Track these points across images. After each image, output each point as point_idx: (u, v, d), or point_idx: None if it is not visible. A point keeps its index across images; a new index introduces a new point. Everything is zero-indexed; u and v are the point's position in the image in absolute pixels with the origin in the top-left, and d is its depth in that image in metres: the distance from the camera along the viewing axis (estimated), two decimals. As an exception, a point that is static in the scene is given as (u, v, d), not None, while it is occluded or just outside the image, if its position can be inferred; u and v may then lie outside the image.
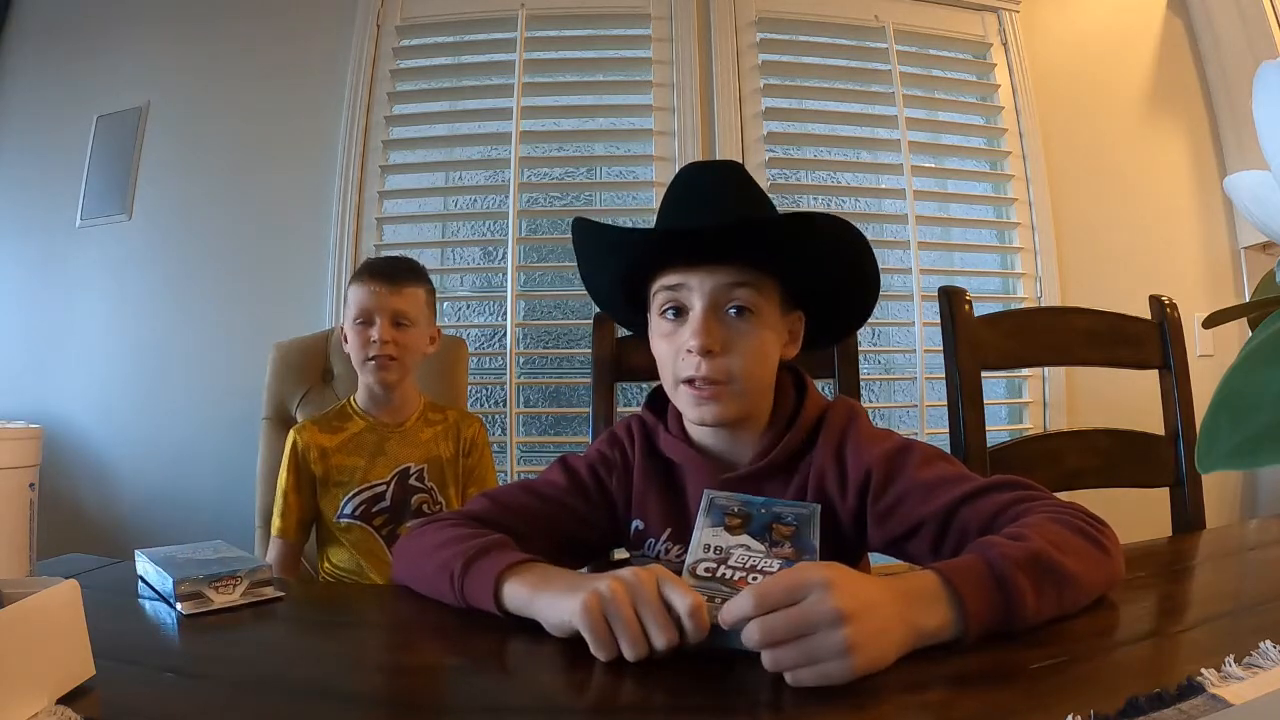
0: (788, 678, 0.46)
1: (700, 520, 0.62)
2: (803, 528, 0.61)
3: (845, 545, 0.76)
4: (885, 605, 0.48)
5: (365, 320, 1.27)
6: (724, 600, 0.51)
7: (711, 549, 0.59)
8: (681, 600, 0.51)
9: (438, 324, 1.41)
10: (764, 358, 0.76)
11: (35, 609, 0.44)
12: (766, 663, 0.46)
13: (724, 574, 0.56)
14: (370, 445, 1.30)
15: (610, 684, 0.48)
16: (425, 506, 1.30)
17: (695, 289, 0.73)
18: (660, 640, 0.50)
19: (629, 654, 0.50)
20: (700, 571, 0.57)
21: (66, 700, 0.44)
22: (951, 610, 0.50)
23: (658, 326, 0.77)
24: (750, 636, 0.47)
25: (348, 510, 1.27)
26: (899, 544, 0.71)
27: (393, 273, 1.30)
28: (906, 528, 0.69)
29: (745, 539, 0.60)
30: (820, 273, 0.77)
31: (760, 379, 0.76)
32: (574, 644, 0.52)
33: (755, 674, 0.49)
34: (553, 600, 0.55)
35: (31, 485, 0.66)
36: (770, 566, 0.57)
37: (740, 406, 0.75)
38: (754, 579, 0.55)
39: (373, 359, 1.26)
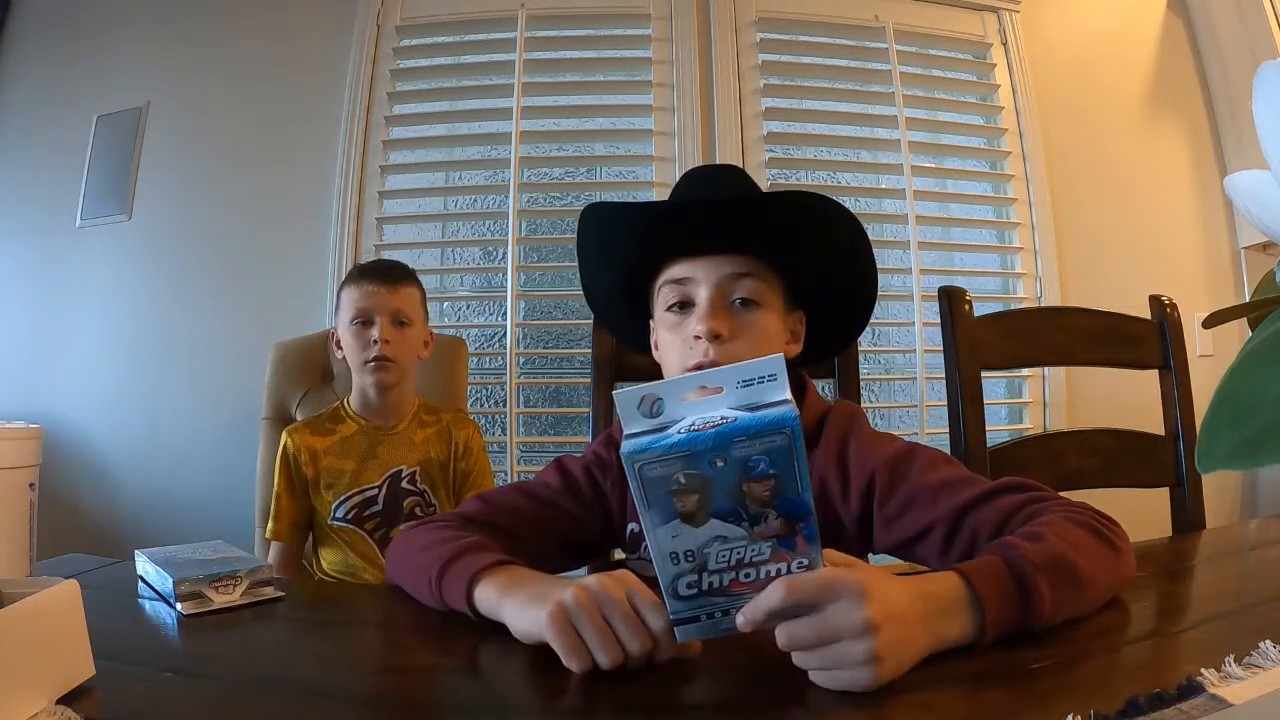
0: (811, 675, 0.46)
1: (644, 520, 0.46)
2: (783, 474, 0.44)
3: (847, 548, 0.75)
4: (910, 613, 0.47)
5: (364, 320, 1.26)
6: (724, 613, 0.48)
7: (680, 557, 0.46)
8: (654, 620, 0.49)
9: (434, 326, 1.41)
10: (769, 347, 0.76)
11: (35, 609, 0.44)
12: (795, 659, 0.46)
13: (710, 583, 0.47)
14: (362, 448, 1.30)
15: (610, 682, 0.48)
16: (418, 509, 1.30)
17: (702, 280, 0.74)
18: (634, 645, 0.48)
19: (603, 661, 0.48)
20: (683, 591, 0.47)
21: (66, 700, 0.44)
22: (972, 614, 0.50)
23: (664, 320, 0.78)
24: (777, 638, 0.46)
25: (339, 513, 1.27)
26: (907, 547, 0.70)
27: (389, 271, 1.30)
28: (915, 531, 0.68)
29: (714, 527, 0.45)
30: (822, 258, 0.78)
31: None
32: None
33: (752, 672, 0.49)
34: (519, 609, 0.54)
35: (31, 485, 0.66)
36: (760, 555, 0.46)
37: None
38: (746, 575, 0.47)
39: (373, 360, 1.25)
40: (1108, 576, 0.57)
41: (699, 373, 0.48)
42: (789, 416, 0.44)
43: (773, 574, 0.47)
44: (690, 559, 0.46)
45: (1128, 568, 0.60)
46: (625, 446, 0.45)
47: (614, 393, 0.47)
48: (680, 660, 0.50)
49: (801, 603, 0.45)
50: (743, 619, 0.47)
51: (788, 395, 0.45)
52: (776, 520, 0.45)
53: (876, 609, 0.44)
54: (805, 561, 0.47)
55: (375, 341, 1.24)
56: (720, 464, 0.44)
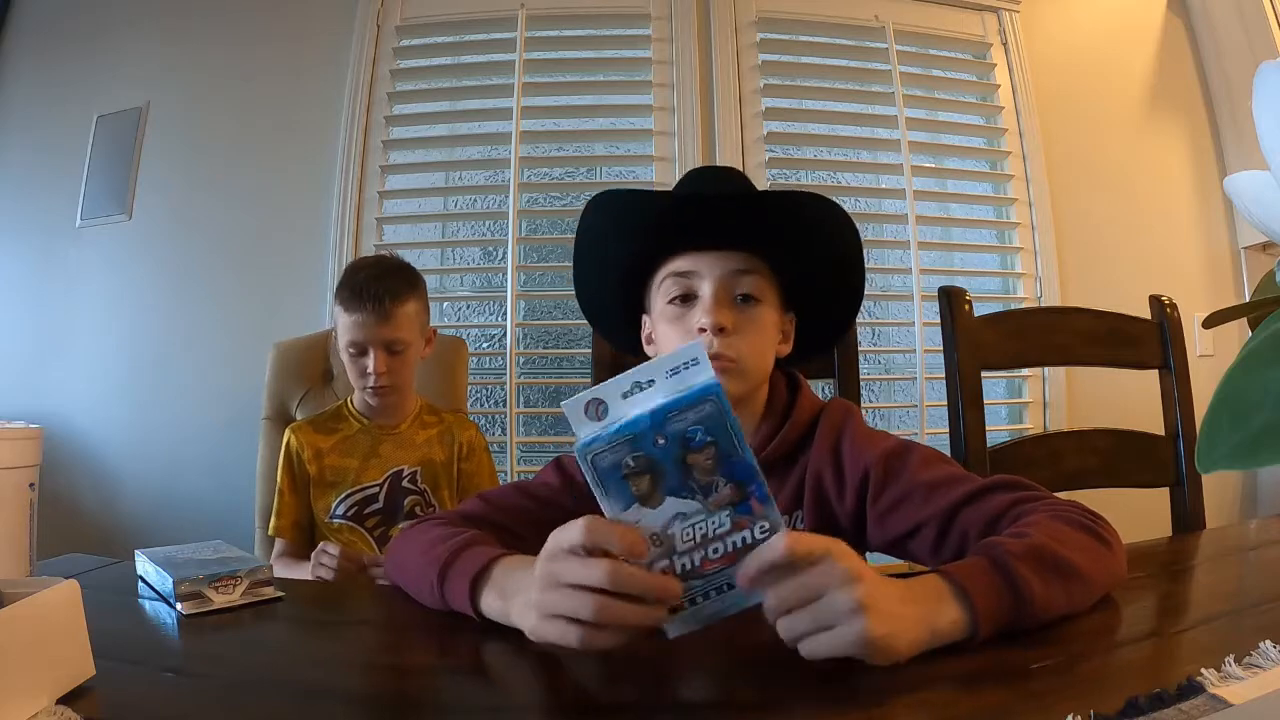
0: (802, 649, 0.46)
1: (607, 511, 0.49)
2: (720, 439, 0.47)
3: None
4: (899, 595, 0.48)
5: (358, 351, 1.24)
6: (704, 596, 0.49)
7: (648, 542, 0.49)
8: (621, 544, 0.46)
9: (436, 324, 1.40)
10: (768, 343, 0.78)
11: (35, 609, 0.44)
12: (781, 633, 0.46)
13: (683, 565, 0.49)
14: (364, 447, 1.30)
15: (614, 682, 0.48)
16: (418, 509, 1.29)
17: (705, 275, 0.75)
18: (599, 580, 0.46)
19: (587, 615, 0.46)
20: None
21: (66, 700, 0.44)
22: (961, 608, 0.50)
23: (665, 313, 0.78)
24: (767, 605, 0.47)
25: (339, 511, 1.27)
26: (899, 544, 0.71)
27: (381, 297, 1.21)
28: (907, 528, 0.69)
29: (670, 504, 0.48)
30: (824, 260, 0.79)
31: (762, 363, 0.78)
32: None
33: (751, 672, 0.49)
34: (518, 620, 0.53)
35: (31, 485, 0.66)
36: (722, 525, 0.48)
37: (742, 388, 0.76)
38: (715, 550, 0.48)
39: (369, 389, 1.25)
40: (1097, 568, 0.57)
41: (632, 370, 0.49)
42: (712, 385, 0.47)
43: (739, 544, 0.48)
44: (658, 543, 0.48)
45: (1119, 561, 0.60)
46: (577, 443, 0.48)
47: (562, 403, 0.49)
48: (677, 654, 0.50)
49: (800, 555, 0.46)
50: (742, 575, 0.47)
51: (710, 374, 0.48)
52: (726, 487, 0.48)
53: (859, 565, 0.46)
54: (766, 525, 0.48)
55: (370, 374, 1.23)
56: (662, 441, 0.47)
